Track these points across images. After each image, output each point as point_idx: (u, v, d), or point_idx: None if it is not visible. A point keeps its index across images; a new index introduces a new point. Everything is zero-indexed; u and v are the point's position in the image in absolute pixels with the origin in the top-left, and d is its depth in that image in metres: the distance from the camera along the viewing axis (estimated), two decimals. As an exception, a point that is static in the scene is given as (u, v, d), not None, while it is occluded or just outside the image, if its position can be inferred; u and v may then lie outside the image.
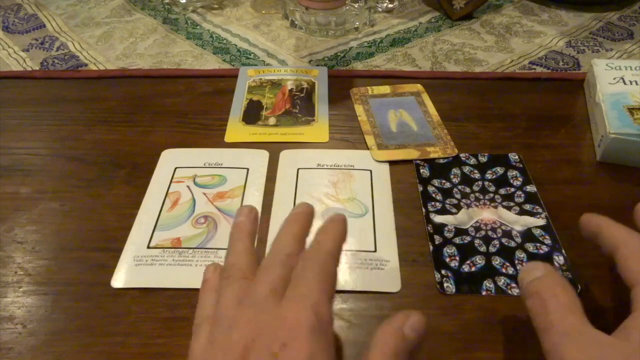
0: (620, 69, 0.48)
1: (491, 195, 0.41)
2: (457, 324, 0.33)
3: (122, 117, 0.49)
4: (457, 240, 0.38)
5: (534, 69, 0.56)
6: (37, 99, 0.52)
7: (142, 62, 0.57)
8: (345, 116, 0.50)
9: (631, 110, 0.44)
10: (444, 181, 0.42)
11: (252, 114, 0.50)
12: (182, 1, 0.66)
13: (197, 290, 0.34)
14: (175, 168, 0.44)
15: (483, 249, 0.37)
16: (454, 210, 0.40)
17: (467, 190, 0.42)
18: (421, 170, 0.43)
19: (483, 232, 0.38)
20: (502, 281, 0.35)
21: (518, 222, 0.39)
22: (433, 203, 0.40)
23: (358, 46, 0.60)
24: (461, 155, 0.45)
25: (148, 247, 0.37)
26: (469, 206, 0.40)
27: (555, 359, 0.24)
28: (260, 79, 0.54)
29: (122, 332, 0.32)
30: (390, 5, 0.66)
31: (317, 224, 0.39)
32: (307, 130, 0.48)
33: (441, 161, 0.44)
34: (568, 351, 0.24)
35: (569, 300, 0.26)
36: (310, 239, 0.29)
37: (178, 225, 0.39)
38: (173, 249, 0.37)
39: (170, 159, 0.44)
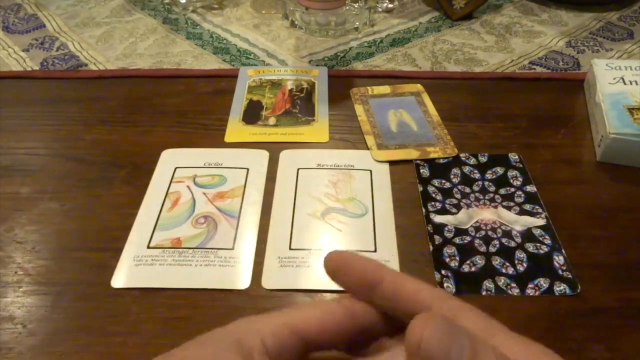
0: (620, 69, 0.48)
1: (491, 195, 0.41)
2: (457, 324, 0.33)
3: (122, 117, 0.49)
4: (457, 240, 0.38)
5: (534, 69, 0.56)
6: (37, 99, 0.52)
7: (142, 62, 0.57)
8: (345, 116, 0.50)
9: (631, 110, 0.44)
10: (444, 181, 0.42)
11: (252, 114, 0.50)
12: (182, 1, 0.66)
13: (197, 290, 0.35)
14: (175, 168, 0.44)
15: (483, 249, 0.37)
16: (454, 210, 0.40)
17: (467, 190, 0.42)
18: (421, 170, 0.43)
19: (483, 232, 0.38)
20: (502, 281, 0.35)
21: (518, 222, 0.39)
22: (433, 203, 0.40)
23: (358, 46, 0.60)
24: (461, 155, 0.45)
25: (148, 247, 0.37)
26: (469, 206, 0.40)
27: None
28: (260, 79, 0.54)
29: (122, 332, 0.32)
30: (390, 5, 0.66)
31: (318, 226, 0.39)
32: (307, 130, 0.48)
33: (441, 161, 0.44)
34: None
35: None
36: None
37: (178, 225, 0.39)
38: (173, 249, 0.37)
39: (170, 159, 0.44)
